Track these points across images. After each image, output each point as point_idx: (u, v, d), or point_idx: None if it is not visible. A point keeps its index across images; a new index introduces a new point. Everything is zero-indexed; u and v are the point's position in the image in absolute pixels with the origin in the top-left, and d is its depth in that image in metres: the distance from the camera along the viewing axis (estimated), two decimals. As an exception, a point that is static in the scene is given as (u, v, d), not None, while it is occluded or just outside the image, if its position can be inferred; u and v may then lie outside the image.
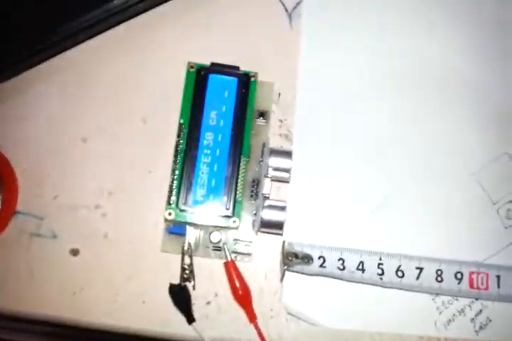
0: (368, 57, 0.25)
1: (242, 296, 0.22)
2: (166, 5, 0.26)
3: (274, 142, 0.24)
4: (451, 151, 0.24)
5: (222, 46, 0.25)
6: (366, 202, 0.23)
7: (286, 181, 0.22)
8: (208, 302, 0.22)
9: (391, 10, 0.26)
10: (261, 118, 0.23)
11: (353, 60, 0.25)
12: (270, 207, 0.21)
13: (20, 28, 0.23)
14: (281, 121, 0.25)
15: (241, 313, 0.22)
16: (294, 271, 0.22)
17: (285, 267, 0.21)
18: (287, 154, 0.22)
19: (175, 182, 0.21)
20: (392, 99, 0.25)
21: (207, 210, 0.21)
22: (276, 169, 0.22)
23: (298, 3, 0.26)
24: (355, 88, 0.25)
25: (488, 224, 0.23)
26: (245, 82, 0.22)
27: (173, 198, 0.21)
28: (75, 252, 0.23)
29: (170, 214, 0.21)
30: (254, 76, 0.23)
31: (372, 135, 0.24)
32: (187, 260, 0.22)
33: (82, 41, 0.25)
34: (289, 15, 0.26)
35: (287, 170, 0.22)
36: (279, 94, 0.25)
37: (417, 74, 0.25)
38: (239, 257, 0.22)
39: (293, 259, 0.21)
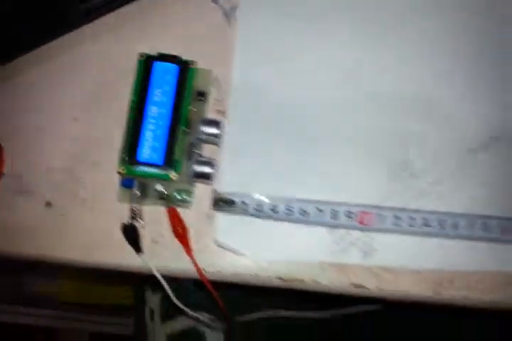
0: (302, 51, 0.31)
1: (181, 234, 0.28)
2: (126, 7, 0.32)
3: (213, 115, 0.30)
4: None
5: (171, 42, 0.31)
6: (285, 161, 0.29)
7: (215, 144, 0.29)
8: (156, 242, 0.29)
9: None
10: (200, 97, 0.30)
11: (285, 60, 0.31)
12: (200, 162, 0.27)
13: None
14: (218, 100, 0.31)
15: (182, 249, 0.28)
16: (222, 211, 0.28)
17: (214, 209, 0.28)
18: (216, 123, 0.28)
19: (126, 144, 0.27)
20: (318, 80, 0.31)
21: (151, 166, 0.27)
22: (207, 134, 0.28)
23: (233, 8, 0.32)
24: (286, 77, 0.31)
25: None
26: (185, 68, 0.28)
27: (125, 157, 0.27)
28: (48, 204, 0.29)
29: (122, 170, 0.27)
30: (192, 63, 0.29)
31: (291, 105, 0.30)
32: (138, 208, 0.28)
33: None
34: (227, 17, 0.32)
35: (216, 136, 0.28)
36: (217, 78, 0.31)
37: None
38: (180, 204, 0.28)
39: (220, 203, 0.28)
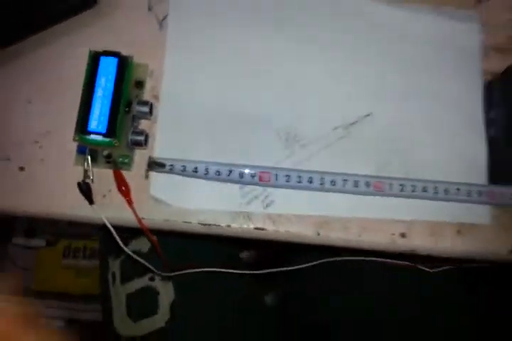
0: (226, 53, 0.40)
1: (124, 190, 0.36)
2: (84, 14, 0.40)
3: (149, 98, 0.38)
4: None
5: (116, 43, 0.39)
6: (205, 134, 0.38)
7: (148, 119, 0.37)
8: (104, 196, 0.37)
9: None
10: (138, 85, 0.38)
11: (206, 55, 0.40)
12: (135, 132, 0.36)
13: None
14: (153, 87, 0.39)
15: (125, 202, 0.36)
16: (155, 172, 0.36)
17: (149, 170, 0.36)
18: (148, 103, 0.37)
19: (79, 119, 0.35)
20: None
21: (98, 135, 0.35)
22: (141, 112, 0.36)
23: (166, 17, 0.41)
24: (206, 69, 0.40)
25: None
26: (124, 61, 0.37)
27: (79, 127, 0.35)
28: (22, 169, 0.37)
29: (77, 138, 0.35)
30: (131, 58, 0.37)
31: (211, 91, 0.39)
32: (89, 169, 0.36)
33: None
34: (159, 23, 0.41)
35: (148, 113, 0.36)
36: (152, 71, 0.40)
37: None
38: (122, 167, 0.37)
39: (153, 166, 0.36)
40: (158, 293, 0.47)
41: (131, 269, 0.48)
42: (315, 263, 0.48)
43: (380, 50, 0.41)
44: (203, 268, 0.44)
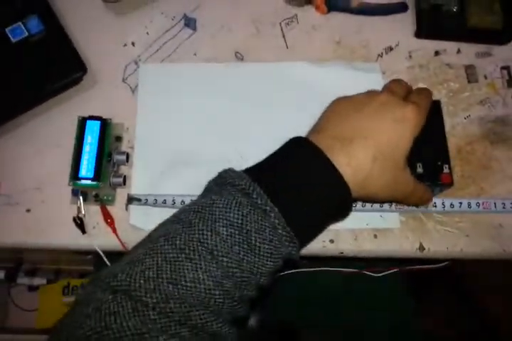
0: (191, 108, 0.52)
1: (110, 222, 0.46)
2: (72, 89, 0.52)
3: (126, 149, 0.50)
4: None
5: (98, 108, 0.51)
6: (172, 174, 0.49)
7: (125, 165, 0.48)
8: (94, 227, 0.47)
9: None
10: (117, 139, 0.50)
11: (171, 114, 0.52)
12: (116, 176, 0.47)
13: None
14: (128, 141, 0.51)
15: (110, 231, 0.46)
16: (133, 205, 0.47)
17: (128, 204, 0.47)
18: (124, 153, 0.48)
19: (72, 168, 0.46)
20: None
21: (87, 180, 0.46)
22: (120, 160, 0.48)
23: (136, 85, 0.53)
24: (172, 124, 0.51)
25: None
26: (105, 123, 0.48)
27: (72, 174, 0.46)
28: (28, 211, 0.48)
29: (71, 184, 0.46)
30: (110, 120, 0.49)
31: (176, 139, 0.50)
32: (81, 207, 0.47)
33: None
34: (132, 90, 0.53)
35: (124, 160, 0.48)
36: (127, 128, 0.51)
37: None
38: (107, 202, 0.47)
39: (131, 200, 0.47)
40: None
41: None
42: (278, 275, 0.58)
43: (308, 101, 0.52)
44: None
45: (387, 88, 0.41)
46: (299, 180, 0.34)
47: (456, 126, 0.53)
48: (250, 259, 0.31)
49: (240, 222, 0.32)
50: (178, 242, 0.31)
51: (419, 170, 0.45)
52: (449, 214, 0.49)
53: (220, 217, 0.32)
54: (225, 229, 0.31)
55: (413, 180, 0.40)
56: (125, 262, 0.31)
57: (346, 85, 0.53)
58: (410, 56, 0.55)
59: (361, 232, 0.48)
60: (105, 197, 0.47)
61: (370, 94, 0.40)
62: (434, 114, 0.46)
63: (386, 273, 0.59)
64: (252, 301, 0.34)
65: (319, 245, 0.47)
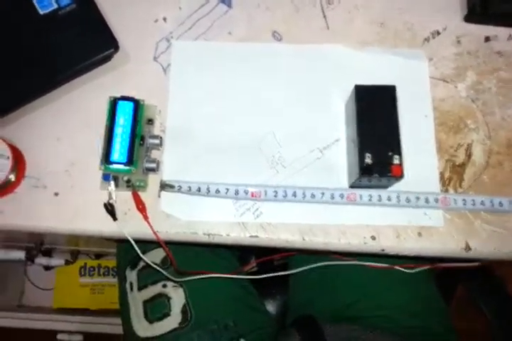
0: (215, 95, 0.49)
1: (141, 208, 0.44)
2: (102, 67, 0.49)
3: (158, 132, 0.47)
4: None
5: (131, 89, 0.48)
6: (205, 160, 0.46)
7: (158, 149, 0.46)
8: (125, 213, 0.45)
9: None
10: (149, 122, 0.47)
11: (202, 97, 0.49)
12: (149, 161, 0.44)
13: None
14: (161, 123, 0.48)
15: (142, 218, 0.44)
16: (166, 191, 0.44)
17: (161, 190, 0.44)
18: (158, 137, 0.45)
19: (103, 152, 0.44)
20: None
21: (119, 164, 0.43)
22: (153, 144, 0.45)
23: (169, 65, 0.50)
24: (204, 108, 0.49)
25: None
26: (137, 104, 0.45)
27: (102, 159, 0.43)
28: (56, 194, 0.45)
29: (101, 168, 0.44)
30: (142, 101, 0.46)
31: (207, 124, 0.48)
32: (113, 192, 0.44)
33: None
34: (164, 70, 0.50)
35: (158, 144, 0.45)
36: (160, 110, 0.48)
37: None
38: (139, 189, 0.45)
39: (164, 187, 0.44)
40: (170, 298, 0.55)
41: (146, 278, 0.56)
42: (308, 267, 0.56)
43: (345, 87, 0.49)
44: (209, 274, 0.52)
45: None
46: None
47: (507, 118, 0.50)
48: None
49: None
50: None
51: (368, 160, 0.42)
52: (497, 213, 0.46)
53: None
54: None
55: None
56: None
57: (387, 72, 0.50)
58: (459, 41, 0.52)
59: (404, 229, 0.46)
60: (137, 183, 0.44)
61: None
62: (387, 101, 0.44)
63: (419, 269, 0.57)
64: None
65: (360, 241, 0.45)
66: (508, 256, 0.46)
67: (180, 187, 0.44)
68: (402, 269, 0.56)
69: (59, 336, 0.82)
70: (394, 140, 0.44)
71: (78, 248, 0.81)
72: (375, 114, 0.44)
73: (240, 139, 0.47)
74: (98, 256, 0.90)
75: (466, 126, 0.49)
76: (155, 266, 0.47)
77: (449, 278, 0.66)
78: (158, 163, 0.45)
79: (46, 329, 0.82)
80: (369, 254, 0.47)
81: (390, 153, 0.43)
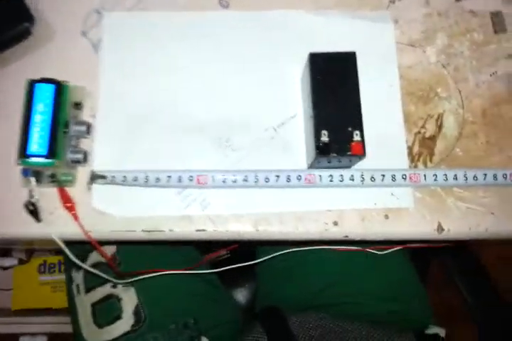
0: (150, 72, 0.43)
1: (69, 207, 0.39)
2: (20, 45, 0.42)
3: (88, 119, 0.41)
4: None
5: (54, 69, 0.42)
6: (143, 145, 0.41)
7: (86, 138, 0.40)
8: (51, 213, 0.39)
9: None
10: (77, 106, 0.41)
11: (137, 74, 0.43)
12: (74, 151, 0.38)
13: None
14: (91, 108, 0.42)
15: (71, 217, 0.39)
16: (98, 184, 0.39)
17: (91, 183, 0.39)
18: (85, 123, 0.39)
19: (19, 144, 0.38)
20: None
21: (40, 158, 0.37)
22: (79, 131, 0.39)
23: (100, 40, 0.44)
24: (138, 86, 0.43)
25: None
26: (60, 86, 0.39)
27: (20, 151, 0.37)
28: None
29: (19, 162, 0.38)
30: (66, 82, 0.40)
31: (144, 104, 0.42)
32: (34, 190, 0.39)
33: None
34: (94, 47, 0.44)
35: (84, 132, 0.39)
36: (89, 92, 0.42)
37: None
38: (66, 184, 0.39)
39: (95, 179, 0.39)
40: (121, 299, 0.50)
41: (94, 279, 0.51)
42: (270, 256, 0.51)
43: (302, 57, 0.44)
44: (159, 271, 0.47)
45: None
46: None
47: (481, 85, 0.45)
48: None
49: None
50: None
51: (324, 138, 0.37)
52: (472, 189, 0.42)
53: None
54: None
55: None
56: None
57: (349, 39, 0.45)
58: (427, 2, 0.47)
59: (369, 212, 0.41)
60: (63, 178, 0.39)
61: None
62: (347, 70, 0.39)
63: (389, 251, 0.53)
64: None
65: (320, 228, 0.40)
66: (484, 236, 0.42)
67: (113, 177, 0.39)
68: (373, 251, 0.51)
69: (21, 339, 0.78)
70: (354, 114, 0.38)
71: (33, 246, 0.76)
72: (332, 85, 0.39)
73: (182, 121, 0.42)
74: (59, 252, 0.85)
75: (437, 95, 0.44)
76: (94, 271, 0.42)
77: (423, 257, 0.63)
78: (85, 154, 0.39)
79: (7, 333, 0.78)
80: (335, 241, 0.42)
81: (349, 129, 0.38)
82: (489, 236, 0.42)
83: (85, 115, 0.41)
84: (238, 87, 0.43)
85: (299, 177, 0.40)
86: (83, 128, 0.39)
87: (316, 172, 0.40)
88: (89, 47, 0.43)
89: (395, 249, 0.52)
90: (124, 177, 0.39)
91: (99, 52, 0.43)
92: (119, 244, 0.51)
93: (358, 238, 0.41)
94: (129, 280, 0.46)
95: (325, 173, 0.40)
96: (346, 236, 0.41)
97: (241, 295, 0.66)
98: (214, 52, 0.44)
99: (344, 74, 0.39)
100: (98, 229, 0.39)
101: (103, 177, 0.39)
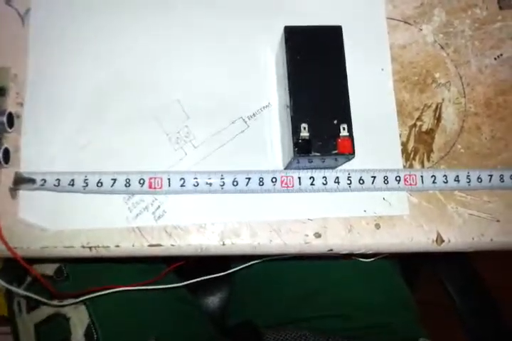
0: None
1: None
2: None
3: (14, 107, 0.33)
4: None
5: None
6: (80, 141, 0.33)
7: (7, 131, 0.32)
8: (-33, 225, 0.31)
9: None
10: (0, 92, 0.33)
11: (73, 52, 0.35)
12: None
13: None
14: (17, 93, 0.34)
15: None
16: (24, 189, 0.31)
17: (16, 188, 0.31)
18: (4, 113, 0.31)
19: None
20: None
21: None
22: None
23: (28, 10, 0.35)
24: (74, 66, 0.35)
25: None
26: (-25, 67, 0.31)
27: None
28: None
29: None
30: (-16, 63, 0.32)
31: (83, 89, 0.34)
32: None
33: None
34: (22, 18, 0.35)
35: (3, 124, 0.31)
36: (15, 74, 0.34)
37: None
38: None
39: (21, 183, 0.31)
40: (69, 319, 0.43)
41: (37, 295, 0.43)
42: (244, 265, 0.45)
43: (278, 36, 0.36)
44: (116, 287, 0.40)
45: None
46: None
47: (484, 70, 0.39)
48: None
49: None
50: None
51: (304, 133, 0.30)
52: (476, 192, 0.36)
53: None
54: None
55: None
56: None
57: (332, 14, 0.39)
58: (424, -28, 0.40)
59: (358, 221, 0.34)
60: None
61: None
62: (330, 49, 0.32)
63: (376, 258, 0.47)
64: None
65: (300, 241, 0.34)
66: (488, 247, 0.36)
67: (44, 181, 0.31)
68: (359, 258, 0.46)
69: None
70: (340, 103, 0.31)
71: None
72: (313, 67, 0.32)
73: (131, 112, 0.34)
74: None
75: (434, 81, 0.38)
76: (30, 295, 0.34)
77: (412, 264, 0.57)
78: (7, 152, 0.31)
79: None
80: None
81: (335, 122, 0.31)
82: (494, 247, 0.36)
83: (12, 102, 0.33)
84: (200, 73, 0.36)
85: (273, 180, 0.33)
86: (2, 118, 0.31)
87: (295, 174, 0.33)
88: (16, 18, 0.35)
89: (382, 255, 0.46)
90: (58, 180, 0.31)
91: (28, 24, 0.35)
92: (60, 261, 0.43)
93: (344, 251, 0.35)
94: (76, 301, 0.39)
95: (305, 175, 0.34)
96: (331, 250, 0.34)
97: (212, 305, 0.59)
98: (171, 31, 0.36)
99: (327, 55, 0.32)
100: (27, 245, 0.31)
101: (31, 180, 0.31)
